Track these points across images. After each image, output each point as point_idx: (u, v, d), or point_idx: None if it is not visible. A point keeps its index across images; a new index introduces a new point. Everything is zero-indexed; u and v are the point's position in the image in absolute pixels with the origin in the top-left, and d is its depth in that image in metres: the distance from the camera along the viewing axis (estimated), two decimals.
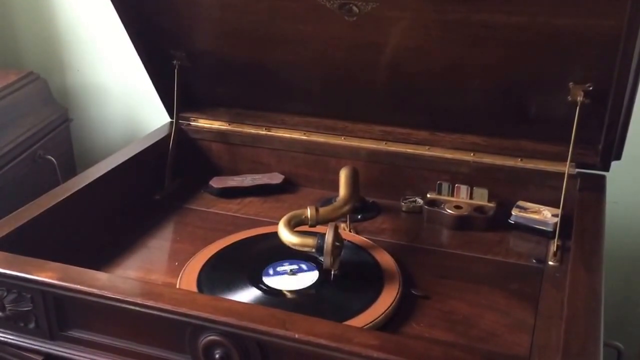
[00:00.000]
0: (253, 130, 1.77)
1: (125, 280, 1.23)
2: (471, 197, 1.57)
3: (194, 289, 1.26)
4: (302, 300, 1.26)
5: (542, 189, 1.53)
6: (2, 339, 1.21)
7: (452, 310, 1.25)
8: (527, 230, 1.49)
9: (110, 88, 2.46)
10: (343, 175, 1.50)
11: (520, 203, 1.54)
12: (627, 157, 1.48)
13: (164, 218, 1.61)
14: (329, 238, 1.24)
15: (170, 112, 1.81)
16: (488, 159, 1.57)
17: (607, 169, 1.50)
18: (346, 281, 1.30)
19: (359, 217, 1.58)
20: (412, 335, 1.18)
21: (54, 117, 2.23)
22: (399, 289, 1.27)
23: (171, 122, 1.80)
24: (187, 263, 1.36)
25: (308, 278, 1.30)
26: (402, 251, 1.44)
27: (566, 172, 1.42)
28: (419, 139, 1.63)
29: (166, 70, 1.72)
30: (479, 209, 1.55)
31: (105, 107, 2.51)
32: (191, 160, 1.82)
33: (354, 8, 1.41)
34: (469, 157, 1.59)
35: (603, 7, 1.25)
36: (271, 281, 1.29)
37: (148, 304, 1.06)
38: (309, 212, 1.36)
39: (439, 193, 1.60)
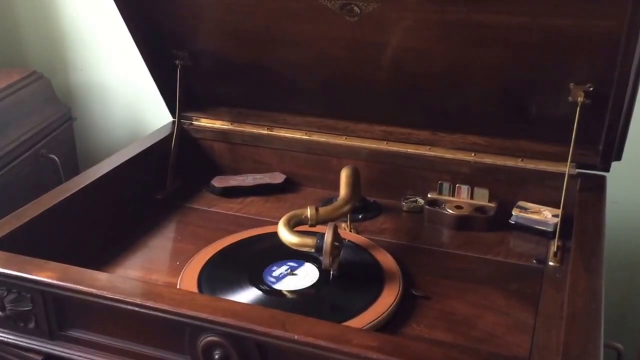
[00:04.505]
0: (255, 130, 1.78)
1: (124, 280, 1.23)
2: (472, 197, 1.58)
3: (195, 288, 1.27)
4: (302, 300, 1.26)
5: (543, 189, 1.53)
6: (2, 338, 1.21)
7: (452, 310, 1.25)
8: (528, 230, 1.50)
9: (113, 87, 2.47)
10: (344, 175, 1.50)
11: (521, 203, 1.54)
12: (628, 157, 1.48)
13: (166, 217, 1.62)
14: (328, 238, 1.24)
15: (172, 111, 1.82)
16: (489, 159, 1.57)
17: (607, 169, 1.50)
18: (347, 281, 1.30)
19: (360, 216, 1.59)
20: (412, 336, 1.18)
21: (57, 116, 2.24)
22: (399, 289, 1.27)
23: (173, 122, 1.81)
24: (188, 262, 1.36)
25: (308, 278, 1.30)
26: (403, 251, 1.45)
27: (567, 172, 1.42)
28: (420, 139, 1.63)
29: (169, 70, 1.72)
30: (480, 209, 1.55)
31: (108, 107, 2.51)
32: (193, 159, 1.82)
33: (355, 8, 1.41)
34: (469, 157, 1.59)
35: (604, 8, 1.25)
36: (271, 281, 1.29)
37: (147, 304, 1.06)
38: (308, 211, 1.36)
39: (440, 193, 1.60)
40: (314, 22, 1.48)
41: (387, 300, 1.24)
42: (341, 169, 1.53)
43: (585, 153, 1.49)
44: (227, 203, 1.69)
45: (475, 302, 1.28)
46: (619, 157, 1.47)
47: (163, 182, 1.73)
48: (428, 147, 1.63)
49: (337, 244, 1.25)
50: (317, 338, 0.98)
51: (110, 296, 1.08)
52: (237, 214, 1.64)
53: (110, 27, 2.33)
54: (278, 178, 1.75)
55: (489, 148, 1.58)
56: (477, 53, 1.42)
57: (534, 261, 1.41)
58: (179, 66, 1.71)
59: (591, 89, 1.37)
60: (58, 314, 1.16)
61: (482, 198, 1.57)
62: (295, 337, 0.99)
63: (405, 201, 1.63)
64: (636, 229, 1.94)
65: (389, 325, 1.20)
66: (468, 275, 1.37)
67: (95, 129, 2.57)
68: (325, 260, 1.25)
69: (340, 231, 1.29)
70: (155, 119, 2.25)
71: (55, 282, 1.12)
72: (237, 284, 1.28)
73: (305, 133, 1.73)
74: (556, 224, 1.44)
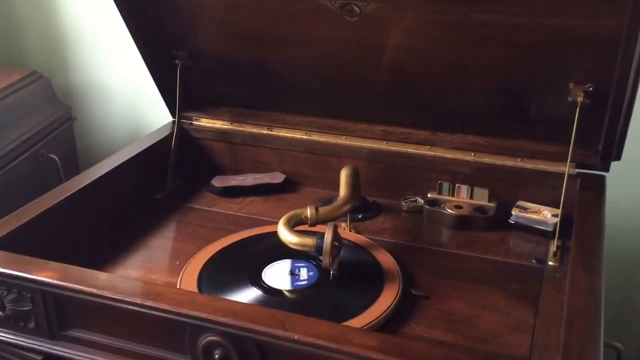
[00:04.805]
0: (255, 130, 1.78)
1: (124, 280, 1.23)
2: (471, 197, 1.58)
3: (195, 288, 1.27)
4: (302, 300, 1.26)
5: (542, 189, 1.54)
6: (2, 338, 1.21)
7: (452, 310, 1.26)
8: (527, 230, 1.50)
9: (114, 87, 2.47)
10: (344, 175, 1.51)
11: (521, 203, 1.54)
12: (627, 157, 1.48)
13: (166, 217, 1.62)
14: (327, 238, 1.24)
15: (172, 111, 1.82)
16: (488, 159, 1.58)
17: (607, 169, 1.50)
18: (346, 281, 1.30)
19: (360, 216, 1.59)
20: (412, 336, 1.18)
21: (57, 116, 2.24)
22: (399, 288, 1.27)
23: (173, 122, 1.81)
24: (188, 262, 1.36)
25: (308, 278, 1.31)
26: (403, 251, 1.45)
27: (566, 172, 1.43)
28: (420, 139, 1.63)
29: (169, 69, 1.72)
30: (480, 208, 1.55)
31: (108, 106, 2.51)
32: (193, 159, 1.82)
33: (355, 8, 1.41)
34: (469, 157, 1.59)
35: (604, 8, 1.25)
36: (271, 281, 1.29)
37: (147, 304, 1.06)
38: (308, 211, 1.36)
39: (440, 193, 1.60)
40: (314, 22, 1.48)
41: (387, 300, 1.24)
42: (341, 168, 1.53)
43: (585, 153, 1.50)
44: (227, 203, 1.69)
45: (475, 301, 1.28)
46: (618, 157, 1.47)
47: (163, 182, 1.73)
48: (428, 147, 1.63)
49: (337, 243, 1.25)
50: (317, 338, 0.98)
51: (111, 296, 1.08)
52: (237, 213, 1.64)
53: (110, 27, 2.32)
54: (278, 178, 1.75)
55: (489, 148, 1.58)
56: (477, 53, 1.42)
57: (534, 261, 1.41)
58: (179, 66, 1.71)
59: (591, 89, 1.37)
60: (58, 313, 1.16)
61: (481, 198, 1.57)
62: (295, 336, 0.99)
63: (405, 201, 1.63)
64: (636, 229, 1.94)
65: (389, 325, 1.20)
66: (468, 275, 1.37)
67: (96, 129, 2.57)
68: (325, 260, 1.25)
69: (340, 231, 1.29)
70: (155, 118, 2.25)
71: (55, 281, 1.12)
72: (237, 284, 1.28)
73: (305, 133, 1.73)
74: (556, 224, 1.44)
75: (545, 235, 1.47)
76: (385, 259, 1.37)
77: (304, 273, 1.32)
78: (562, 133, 1.42)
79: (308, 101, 1.72)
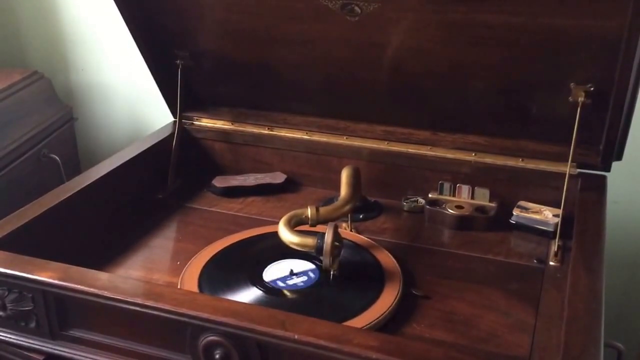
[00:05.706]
0: (256, 130, 1.78)
1: (125, 280, 1.23)
2: (472, 197, 1.58)
3: (195, 288, 1.27)
4: (302, 300, 1.26)
5: (543, 189, 1.53)
6: (3, 338, 1.21)
7: (452, 310, 1.25)
8: (528, 230, 1.49)
9: (115, 87, 2.47)
10: (344, 175, 1.51)
11: (522, 203, 1.54)
12: (628, 157, 1.48)
13: (167, 217, 1.62)
14: (328, 238, 1.24)
15: (173, 111, 1.82)
16: (489, 159, 1.58)
17: (608, 169, 1.50)
18: (347, 281, 1.30)
19: (361, 216, 1.59)
20: (413, 336, 1.18)
21: (59, 116, 2.24)
22: (399, 288, 1.27)
23: (174, 122, 1.81)
24: (188, 262, 1.36)
25: (308, 278, 1.31)
26: (403, 251, 1.45)
27: (567, 172, 1.42)
28: (421, 139, 1.63)
29: (170, 70, 1.72)
30: (480, 208, 1.55)
31: (110, 106, 2.52)
32: (194, 159, 1.82)
33: (356, 8, 1.41)
34: (470, 157, 1.59)
35: (605, 8, 1.25)
36: (272, 281, 1.29)
37: (148, 304, 1.06)
38: (309, 211, 1.36)
39: (441, 193, 1.60)
40: (315, 22, 1.48)
41: (387, 299, 1.24)
42: (342, 168, 1.53)
43: (586, 153, 1.50)
44: (228, 203, 1.69)
45: (475, 301, 1.28)
46: (619, 157, 1.47)
47: (164, 182, 1.73)
48: (429, 147, 1.63)
49: (337, 244, 1.25)
50: (318, 338, 0.98)
51: (111, 296, 1.08)
52: (238, 213, 1.64)
53: (111, 27, 2.33)
54: (279, 178, 1.75)
55: (490, 148, 1.58)
56: (477, 53, 1.42)
57: (535, 261, 1.41)
58: (180, 66, 1.71)
59: (592, 89, 1.37)
60: (59, 313, 1.16)
61: (482, 198, 1.57)
62: (296, 336, 0.99)
63: (406, 201, 1.63)
64: (636, 228, 1.94)
65: (390, 325, 1.20)
66: (468, 275, 1.37)
67: (97, 129, 2.57)
68: (326, 260, 1.25)
69: (340, 231, 1.29)
70: (156, 118, 2.25)
71: (56, 282, 1.12)
72: (238, 284, 1.28)
73: (306, 133, 1.73)
74: (557, 224, 1.44)
75: (546, 236, 1.47)
76: (386, 259, 1.37)
77: (304, 273, 1.32)
78: (563, 133, 1.42)
79: (309, 101, 1.72)
